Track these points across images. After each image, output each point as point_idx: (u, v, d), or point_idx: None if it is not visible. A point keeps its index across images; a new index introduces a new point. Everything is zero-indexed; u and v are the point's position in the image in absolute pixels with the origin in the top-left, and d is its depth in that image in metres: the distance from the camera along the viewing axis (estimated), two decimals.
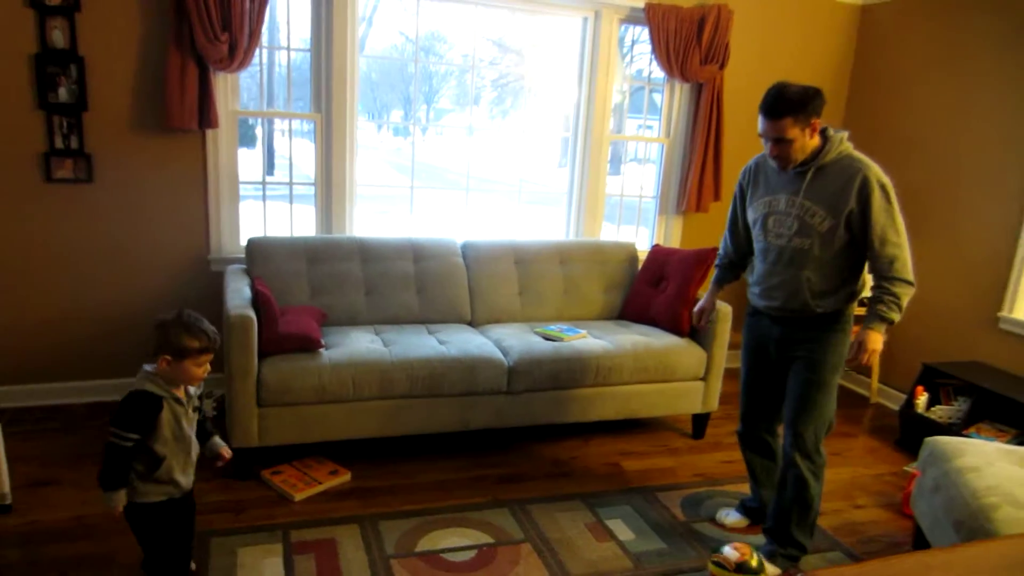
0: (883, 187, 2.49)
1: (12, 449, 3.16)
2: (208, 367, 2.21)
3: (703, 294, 3.27)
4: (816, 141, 2.56)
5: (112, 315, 3.76)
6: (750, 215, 2.80)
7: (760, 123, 2.54)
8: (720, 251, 3.09)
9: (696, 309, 3.22)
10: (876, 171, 2.51)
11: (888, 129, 4.73)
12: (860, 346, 2.54)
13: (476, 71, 4.41)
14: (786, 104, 2.46)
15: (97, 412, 3.70)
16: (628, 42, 4.96)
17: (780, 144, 2.52)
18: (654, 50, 4.31)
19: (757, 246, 2.78)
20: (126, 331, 3.79)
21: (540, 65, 4.86)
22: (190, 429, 2.21)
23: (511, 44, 6.12)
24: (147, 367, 2.17)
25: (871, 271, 2.58)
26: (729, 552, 2.62)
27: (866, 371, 4.83)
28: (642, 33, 4.47)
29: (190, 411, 2.22)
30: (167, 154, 3.66)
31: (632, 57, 5.33)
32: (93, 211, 3.61)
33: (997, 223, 4.10)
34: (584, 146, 4.53)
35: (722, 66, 4.42)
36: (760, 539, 2.91)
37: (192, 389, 2.23)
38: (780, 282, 2.67)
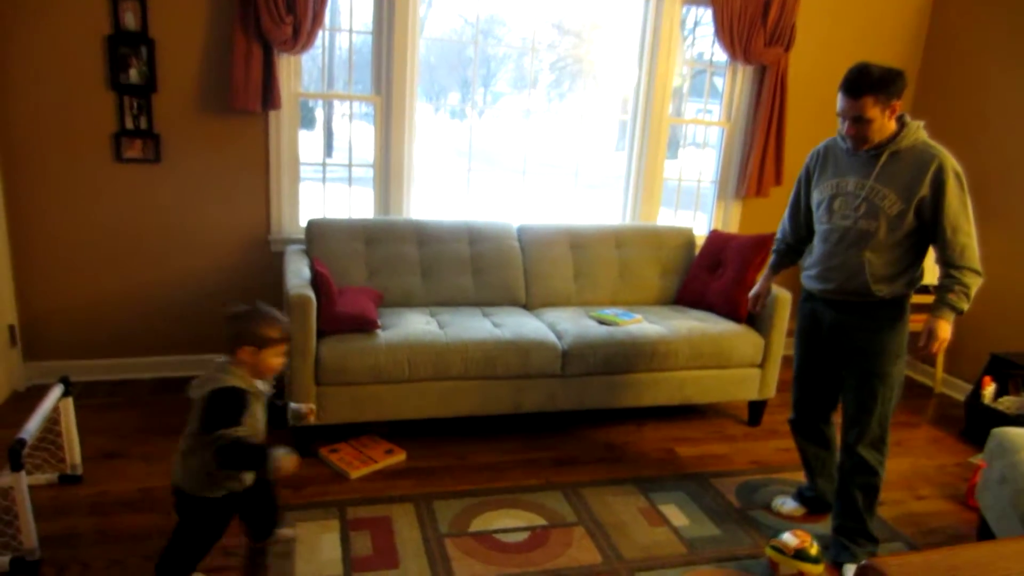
0: (958, 176, 2.46)
1: (82, 421, 3.28)
2: (285, 359, 2.22)
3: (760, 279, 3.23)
4: (893, 125, 2.53)
5: (175, 294, 3.88)
6: (815, 197, 2.75)
7: (840, 101, 2.52)
8: (778, 235, 3.05)
9: (752, 294, 3.19)
10: (951, 160, 2.47)
11: (959, 114, 4.54)
12: (930, 335, 2.49)
13: (535, 54, 4.39)
14: (868, 83, 2.44)
15: (160, 388, 3.83)
16: (690, 24, 4.86)
17: (859, 123, 2.49)
18: (717, 31, 4.22)
19: (819, 228, 2.73)
20: (189, 309, 3.91)
21: (599, 47, 4.81)
22: (263, 423, 2.24)
23: (570, 26, 6.07)
24: (223, 361, 2.16)
25: (939, 260, 2.54)
26: (788, 538, 2.59)
27: (931, 360, 4.68)
28: (705, 14, 4.37)
29: (263, 405, 2.24)
30: (231, 135, 3.74)
31: (694, 39, 5.23)
32: (160, 190, 3.72)
33: None
34: (643, 130, 4.47)
35: (787, 48, 4.30)
36: (818, 527, 2.86)
37: (261, 384, 2.24)
38: (841, 263, 2.62)
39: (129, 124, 3.57)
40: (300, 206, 3.99)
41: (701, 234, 4.43)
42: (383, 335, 3.23)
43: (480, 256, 3.89)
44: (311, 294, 3.06)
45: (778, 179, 4.53)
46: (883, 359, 2.61)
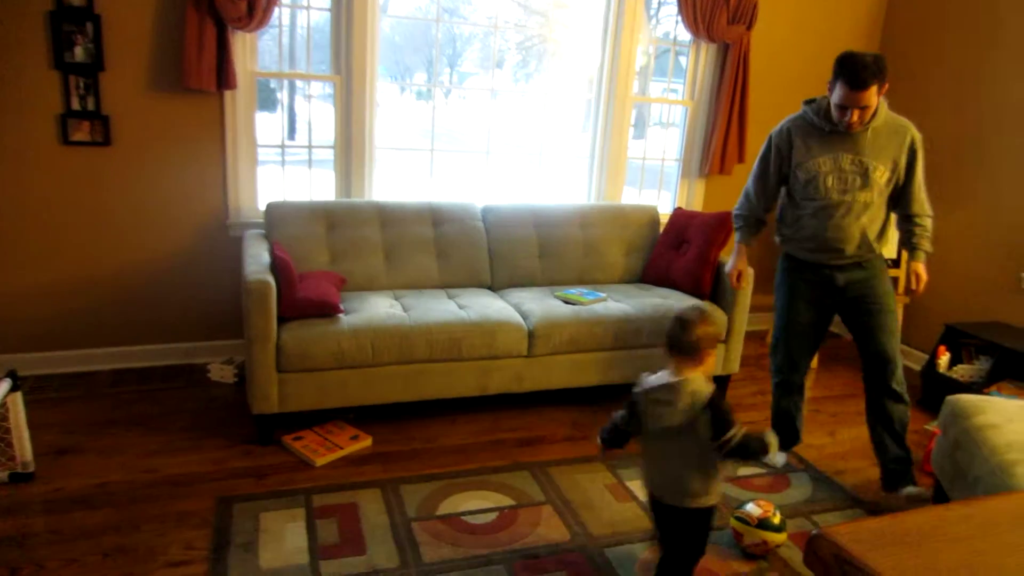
0: (921, 143, 2.88)
1: (35, 417, 3.19)
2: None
3: (726, 258, 3.30)
4: None
5: (130, 280, 3.78)
6: (801, 175, 2.94)
7: (843, 95, 2.71)
8: (742, 211, 3.21)
9: (731, 270, 3.32)
10: (915, 129, 2.89)
11: (918, 90, 4.60)
12: (918, 277, 2.91)
13: (500, 33, 4.33)
14: (871, 73, 2.66)
15: (118, 379, 3.73)
16: (655, 3, 4.84)
17: (864, 111, 2.75)
18: (680, 10, 4.20)
19: (809, 204, 2.95)
20: (145, 297, 3.82)
21: (565, 27, 4.77)
22: None
23: (536, 6, 6.01)
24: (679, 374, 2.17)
25: (906, 212, 2.94)
26: (752, 508, 2.63)
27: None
28: None
29: None
30: (185, 116, 3.64)
31: (658, 18, 5.22)
32: (111, 174, 3.61)
33: (1021, 185, 4.01)
34: (607, 108, 4.45)
35: (749, 26, 4.30)
36: (783, 496, 2.90)
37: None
38: (843, 235, 2.90)
39: (76, 105, 3.45)
40: (259, 189, 3.90)
41: (665, 212, 4.43)
42: (346, 320, 3.19)
43: (444, 238, 3.85)
44: (271, 279, 3.00)
45: (741, 157, 4.55)
46: (888, 297, 3.01)
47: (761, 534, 2.59)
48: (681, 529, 2.23)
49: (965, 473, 2.54)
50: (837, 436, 3.62)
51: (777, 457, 3.28)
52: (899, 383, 3.02)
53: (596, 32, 4.40)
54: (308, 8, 3.87)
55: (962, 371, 3.99)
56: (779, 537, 2.61)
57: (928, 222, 2.94)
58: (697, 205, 4.76)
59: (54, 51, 3.37)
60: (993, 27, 4.16)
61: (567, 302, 3.62)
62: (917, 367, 4.53)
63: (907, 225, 2.95)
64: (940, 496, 2.84)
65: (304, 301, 3.11)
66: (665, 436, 2.16)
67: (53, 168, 3.52)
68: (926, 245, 2.93)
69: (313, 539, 2.55)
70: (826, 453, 3.44)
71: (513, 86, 8.40)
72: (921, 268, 2.92)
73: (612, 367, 3.60)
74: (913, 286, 2.92)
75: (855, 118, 2.75)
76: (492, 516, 2.76)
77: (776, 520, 2.61)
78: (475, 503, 2.83)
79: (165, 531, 2.55)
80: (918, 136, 2.87)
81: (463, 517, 2.73)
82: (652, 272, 4.08)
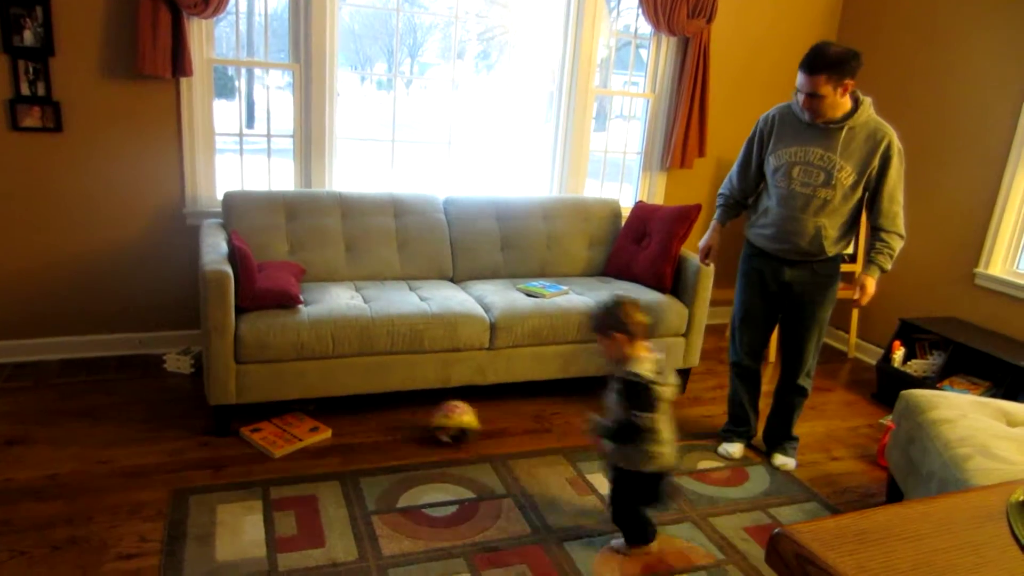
0: (900, 153, 2.86)
1: None
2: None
3: (687, 252, 3.33)
4: (848, 103, 2.83)
5: (84, 269, 3.68)
6: (772, 162, 3.00)
7: (798, 77, 2.79)
8: (724, 191, 3.27)
9: (702, 246, 3.37)
10: (897, 139, 2.86)
11: (873, 86, 4.68)
12: (862, 289, 2.92)
13: (461, 23, 4.30)
14: (823, 62, 2.71)
15: (69, 369, 3.64)
16: None
17: (813, 99, 2.78)
18: (641, 2, 4.22)
19: (776, 192, 3.00)
20: (99, 286, 3.72)
21: (526, 18, 4.75)
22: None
23: None
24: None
25: (872, 224, 2.93)
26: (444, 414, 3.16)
27: (845, 324, 4.86)
28: None
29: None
30: (140, 103, 3.55)
31: (619, 11, 5.23)
32: (62, 161, 3.50)
33: (975, 181, 4.12)
34: (569, 101, 4.45)
35: (709, 20, 4.34)
36: (741, 490, 2.95)
37: None
38: (799, 228, 2.94)
39: (25, 90, 3.34)
40: (216, 178, 3.83)
41: (627, 205, 4.46)
42: (306, 310, 3.15)
43: (406, 229, 3.82)
44: (228, 270, 2.95)
45: (702, 150, 4.59)
46: (823, 308, 3.08)
47: (456, 419, 3.16)
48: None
49: (919, 467, 2.60)
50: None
51: (732, 448, 3.34)
52: (805, 379, 3.20)
53: (557, 24, 4.39)
54: None
55: (916, 366, 4.07)
56: (472, 420, 3.20)
57: (893, 240, 2.90)
58: (659, 198, 4.79)
59: (2, 35, 3.26)
60: (946, 25, 4.25)
61: (529, 295, 3.63)
62: (872, 361, 4.63)
63: (872, 237, 2.95)
64: (893, 490, 2.92)
65: (263, 292, 3.06)
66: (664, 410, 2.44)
67: (2, 155, 3.40)
68: (882, 261, 2.91)
69: (271, 532, 2.52)
70: None
71: (475, 77, 8.36)
72: (869, 282, 2.91)
73: (574, 360, 3.62)
74: (855, 296, 2.94)
75: (805, 104, 2.80)
76: (452, 509, 2.75)
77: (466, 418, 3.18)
78: (436, 496, 2.83)
79: (118, 523, 2.50)
80: (896, 145, 2.85)
81: (423, 510, 2.73)
82: (614, 265, 4.10)
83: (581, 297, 3.65)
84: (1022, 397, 3.50)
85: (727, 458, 3.32)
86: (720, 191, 3.29)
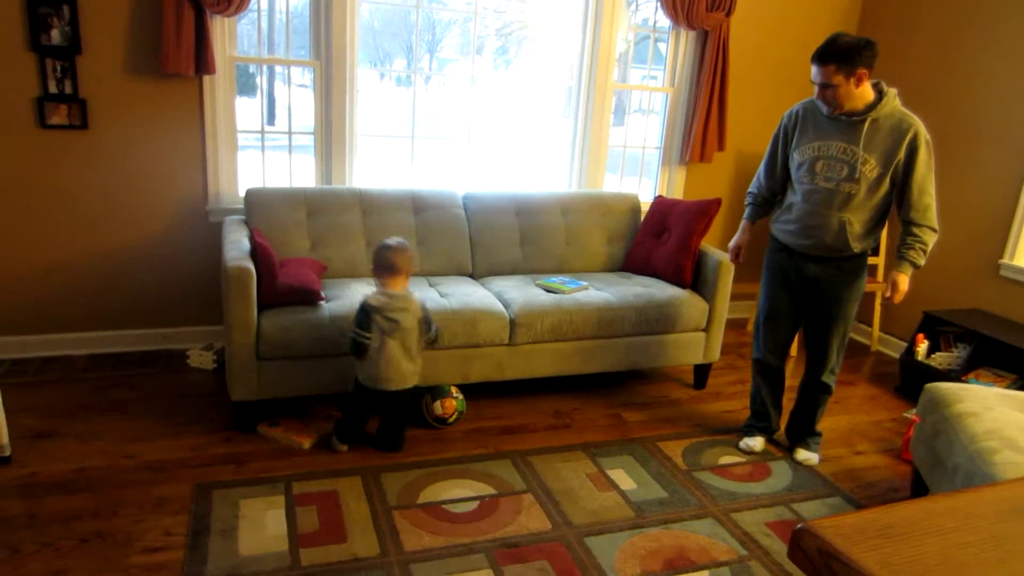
0: (928, 144, 2.78)
1: (11, 400, 3.17)
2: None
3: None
4: (870, 94, 2.78)
5: (109, 265, 3.73)
6: (796, 158, 2.97)
7: (811, 69, 2.77)
8: (753, 189, 3.25)
9: (732, 245, 3.35)
10: (924, 129, 2.78)
11: (895, 81, 4.62)
12: (894, 287, 2.86)
13: (480, 19, 4.30)
14: (833, 52, 2.68)
15: (95, 364, 3.69)
16: None
17: (825, 89, 2.75)
18: None
19: (800, 187, 2.96)
20: (123, 281, 3.77)
21: (544, 13, 4.74)
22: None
23: None
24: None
25: (903, 217, 2.85)
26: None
27: (868, 318, 4.82)
28: None
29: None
30: (163, 101, 3.59)
31: (638, 5, 5.20)
32: (88, 159, 3.55)
33: (999, 172, 4.07)
34: (587, 95, 4.44)
35: (729, 13, 4.30)
36: (764, 485, 2.94)
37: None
38: (823, 223, 2.90)
39: (53, 88, 3.39)
40: (239, 175, 3.86)
41: (646, 200, 4.44)
42: (327, 307, 3.17)
43: (425, 225, 3.84)
44: (250, 266, 2.98)
45: (721, 144, 4.56)
46: (849, 305, 3.02)
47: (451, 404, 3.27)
48: (399, 405, 3.02)
49: (944, 461, 2.57)
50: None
51: (753, 442, 3.33)
52: (829, 376, 3.16)
53: (576, 18, 4.38)
54: None
55: (940, 359, 4.02)
56: (460, 403, 3.33)
57: (925, 234, 2.82)
58: (678, 193, 4.77)
59: (30, 33, 3.30)
60: (969, 18, 4.19)
61: (549, 290, 3.62)
62: (895, 355, 4.59)
63: (903, 232, 2.88)
64: (918, 484, 2.89)
65: (284, 288, 3.09)
66: (397, 336, 2.88)
67: (30, 152, 3.46)
68: (914, 257, 2.83)
69: (293, 526, 2.55)
70: None
71: (493, 73, 8.35)
72: (901, 279, 2.85)
73: (594, 356, 3.61)
74: (887, 293, 2.89)
75: (819, 95, 2.79)
76: (473, 505, 2.76)
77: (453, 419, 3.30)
78: (456, 491, 2.84)
79: (143, 517, 2.53)
80: (924, 136, 2.77)
81: (444, 506, 2.74)
82: (633, 260, 4.09)
83: (600, 293, 3.65)
84: None
85: (748, 452, 3.31)
86: (749, 189, 3.27)
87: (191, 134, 3.68)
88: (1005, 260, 4.02)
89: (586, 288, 3.69)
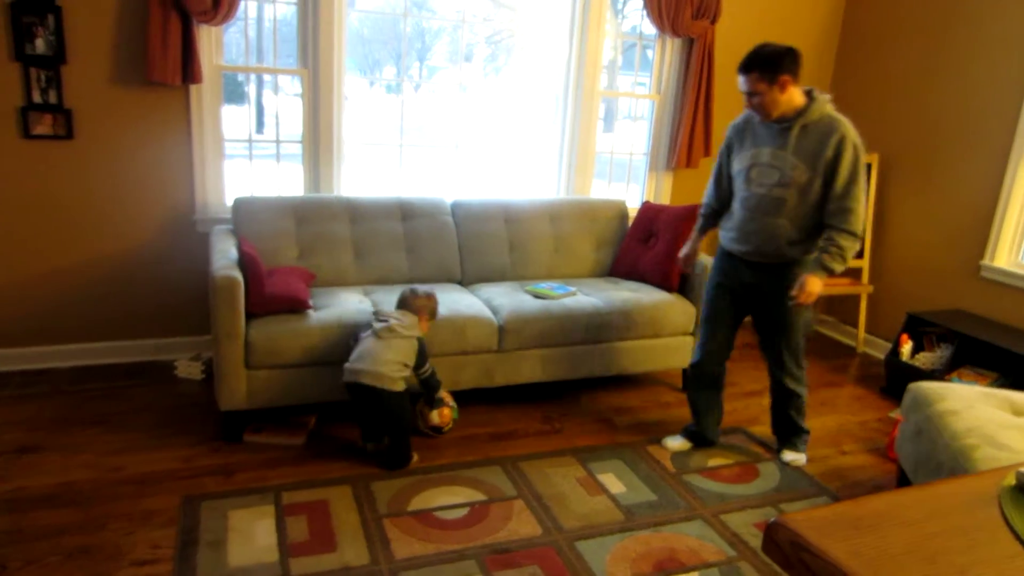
0: (855, 147, 2.77)
1: None
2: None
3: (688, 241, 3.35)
4: (800, 100, 2.80)
5: (94, 276, 3.72)
6: (735, 166, 3.00)
7: (738, 79, 2.82)
8: (704, 200, 3.27)
9: (682, 255, 3.37)
10: (853, 132, 2.77)
11: (877, 85, 4.68)
12: (801, 287, 2.82)
13: (469, 27, 4.32)
14: (755, 61, 2.73)
15: (81, 376, 3.67)
16: None
17: (751, 97, 2.79)
18: (645, 4, 4.22)
19: (738, 195, 3.00)
20: (110, 293, 3.76)
21: (533, 21, 4.77)
22: None
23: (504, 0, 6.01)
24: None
25: (824, 221, 2.84)
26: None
27: (854, 320, 4.84)
28: None
29: None
30: (150, 110, 3.59)
31: (624, 15, 5.24)
32: (73, 169, 3.54)
33: (980, 176, 4.12)
34: (575, 103, 4.46)
35: (713, 21, 4.34)
36: (751, 487, 2.95)
37: None
38: (758, 228, 2.91)
39: (37, 98, 3.38)
40: (226, 184, 3.86)
41: (634, 206, 4.46)
42: (315, 315, 3.17)
43: (414, 233, 3.84)
44: (238, 275, 2.97)
45: (707, 150, 4.59)
46: (790, 311, 2.98)
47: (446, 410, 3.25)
48: (387, 412, 3.00)
49: (928, 459, 2.60)
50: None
51: (671, 442, 3.34)
52: (792, 381, 3.13)
53: (563, 26, 4.41)
54: (275, 1, 3.83)
55: (924, 359, 4.07)
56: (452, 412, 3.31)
57: (842, 239, 2.77)
58: (665, 198, 4.79)
59: (15, 43, 3.30)
60: (948, 22, 4.24)
61: (537, 296, 3.63)
62: (880, 356, 4.62)
63: (823, 235, 2.84)
64: (903, 482, 2.91)
65: (272, 297, 3.09)
66: (383, 336, 2.98)
67: (14, 162, 3.45)
68: (828, 261, 2.79)
69: (283, 537, 2.54)
70: None
71: (482, 80, 8.38)
72: (810, 280, 2.80)
73: (582, 361, 3.62)
74: (794, 292, 2.83)
75: (747, 104, 2.82)
76: (464, 511, 2.76)
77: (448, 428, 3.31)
78: (447, 498, 2.84)
79: (131, 530, 2.52)
80: (850, 139, 2.75)
81: (434, 513, 2.74)
82: (621, 266, 4.11)
83: (589, 298, 3.66)
84: None
85: (665, 448, 3.31)
86: (702, 201, 3.30)
87: (178, 143, 3.67)
88: (986, 261, 4.06)
89: (574, 294, 3.71)
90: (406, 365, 3.00)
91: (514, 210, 4.08)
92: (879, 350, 4.71)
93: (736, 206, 3.02)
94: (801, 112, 2.79)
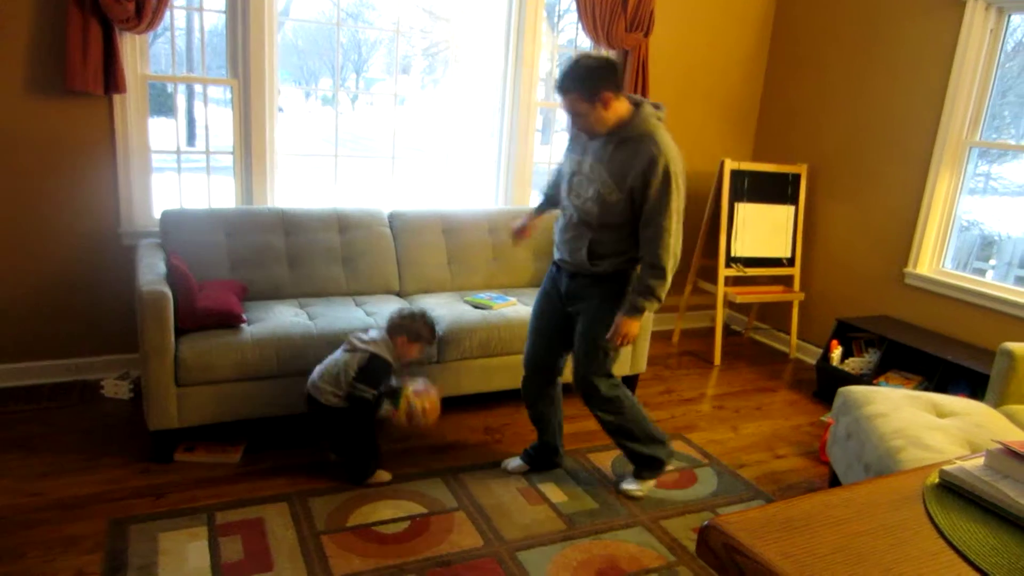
0: (667, 172, 2.52)
1: None
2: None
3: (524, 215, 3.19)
4: (625, 111, 2.59)
5: (13, 294, 3.55)
6: (564, 167, 2.84)
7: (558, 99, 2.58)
8: (547, 181, 3.12)
9: (513, 228, 3.09)
10: (668, 154, 2.53)
11: (806, 97, 4.83)
12: (616, 330, 2.67)
13: (406, 39, 4.31)
14: (571, 79, 2.49)
15: (2, 398, 3.49)
16: (558, 11, 4.92)
17: (575, 119, 2.57)
18: (580, 16, 4.28)
19: (561, 200, 2.85)
20: (31, 312, 3.59)
21: (469, 33, 4.78)
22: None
23: (440, 11, 6.01)
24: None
25: (639, 253, 2.67)
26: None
27: (786, 326, 4.97)
28: (571, 2, 4.43)
29: None
30: (70, 121, 3.45)
31: (560, 28, 5.30)
32: None
33: (903, 185, 4.28)
34: (512, 114, 4.48)
35: (647, 33, 4.42)
36: (689, 492, 2.98)
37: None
38: (571, 237, 2.75)
39: None
40: (154, 197, 3.74)
41: None
42: (249, 329, 3.10)
43: (351, 244, 3.79)
44: (167, 290, 2.88)
45: None
46: (600, 327, 2.75)
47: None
48: (334, 425, 2.99)
49: (857, 461, 2.68)
50: (740, 431, 3.76)
51: (509, 463, 3.18)
52: (593, 401, 2.89)
53: (499, 38, 4.43)
54: (202, 10, 3.74)
55: (853, 364, 4.20)
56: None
57: (651, 280, 2.59)
58: None
59: None
60: (869, 34, 4.41)
61: (477, 307, 3.63)
62: (812, 361, 4.75)
63: (638, 267, 2.69)
64: (835, 484, 2.99)
65: (203, 311, 3.00)
66: (346, 353, 2.93)
67: None
68: (636, 300, 2.62)
69: (216, 558, 2.46)
70: (729, 447, 3.56)
71: (420, 92, 8.36)
72: (626, 323, 2.63)
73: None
74: (609, 335, 2.69)
75: (574, 125, 2.63)
76: (404, 525, 2.73)
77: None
78: (386, 513, 2.80)
79: (53, 557, 2.41)
80: (663, 162, 2.50)
81: (374, 527, 2.70)
82: None
83: (528, 308, 3.66)
84: (951, 389, 3.63)
85: (504, 470, 3.15)
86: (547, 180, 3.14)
87: (101, 156, 3.55)
88: (909, 268, 4.22)
89: (514, 303, 3.71)
90: (344, 381, 2.87)
91: (452, 220, 4.07)
92: (811, 356, 4.84)
93: (559, 211, 2.88)
94: (622, 125, 2.57)
